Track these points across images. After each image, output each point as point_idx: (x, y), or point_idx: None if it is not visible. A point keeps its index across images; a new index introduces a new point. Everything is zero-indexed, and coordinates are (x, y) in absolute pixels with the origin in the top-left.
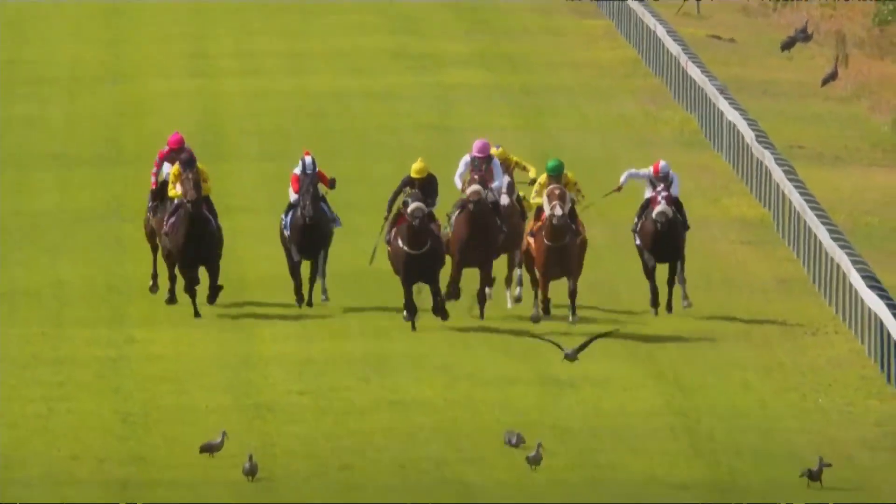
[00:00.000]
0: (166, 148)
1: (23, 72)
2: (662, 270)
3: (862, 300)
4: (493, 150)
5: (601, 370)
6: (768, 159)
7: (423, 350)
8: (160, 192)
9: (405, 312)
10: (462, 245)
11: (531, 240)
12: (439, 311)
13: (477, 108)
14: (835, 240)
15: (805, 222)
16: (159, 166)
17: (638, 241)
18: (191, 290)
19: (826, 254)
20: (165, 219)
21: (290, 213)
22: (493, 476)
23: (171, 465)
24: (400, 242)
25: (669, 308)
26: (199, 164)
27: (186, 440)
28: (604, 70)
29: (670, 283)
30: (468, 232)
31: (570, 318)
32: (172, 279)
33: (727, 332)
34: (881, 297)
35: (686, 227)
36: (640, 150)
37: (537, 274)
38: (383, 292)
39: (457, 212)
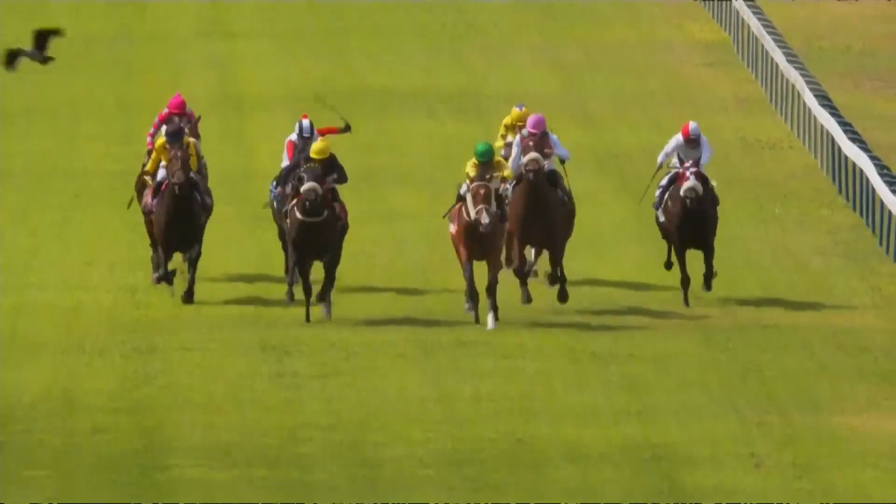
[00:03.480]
0: (166, 110)
1: None
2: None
3: (815, 118)
4: (515, 111)
5: (577, 183)
6: None
7: (411, 162)
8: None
9: (290, 291)
10: (521, 221)
11: (451, 223)
12: (324, 297)
13: None
14: (790, 62)
15: (763, 46)
16: (157, 128)
17: (662, 219)
18: (170, 274)
19: (782, 75)
20: (150, 197)
21: (277, 186)
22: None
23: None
24: (297, 211)
25: (708, 286)
26: (186, 138)
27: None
28: None
29: (707, 276)
30: (525, 205)
31: (490, 319)
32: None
33: None
34: (832, 114)
35: (716, 203)
36: None
37: (460, 257)
38: None
39: (513, 184)
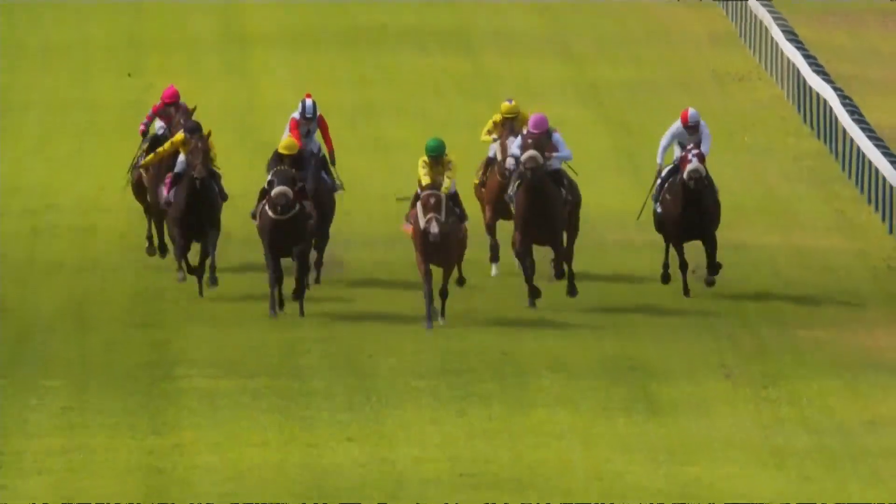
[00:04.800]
0: (160, 102)
1: None
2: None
3: (782, 51)
4: (505, 104)
5: (559, 113)
6: None
7: (405, 97)
8: (152, 147)
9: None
10: (523, 220)
11: (408, 226)
12: (301, 292)
13: None
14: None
15: None
16: (151, 119)
17: (659, 210)
18: (199, 270)
19: (750, 10)
20: (167, 186)
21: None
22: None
23: None
24: (268, 210)
25: (710, 282)
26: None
27: None
28: None
29: (710, 268)
30: (527, 205)
31: (440, 318)
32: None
33: (667, 81)
34: (798, 48)
35: (716, 202)
36: None
37: (417, 260)
38: None
39: (516, 184)
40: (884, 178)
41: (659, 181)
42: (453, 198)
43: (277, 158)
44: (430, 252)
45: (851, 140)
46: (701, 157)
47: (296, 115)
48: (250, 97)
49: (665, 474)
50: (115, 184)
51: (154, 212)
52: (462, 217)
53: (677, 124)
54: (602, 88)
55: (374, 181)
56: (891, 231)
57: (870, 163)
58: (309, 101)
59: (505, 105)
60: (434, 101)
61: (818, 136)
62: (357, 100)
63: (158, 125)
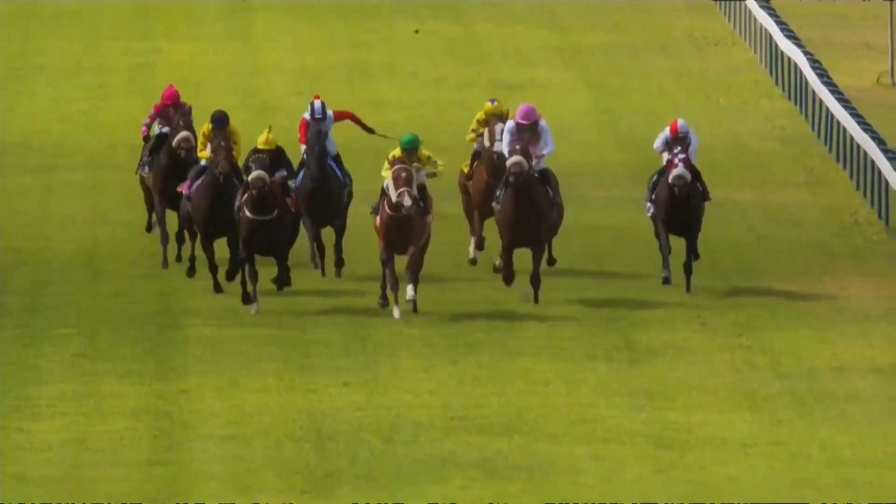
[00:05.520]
0: (160, 101)
1: None
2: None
3: (755, 18)
4: (488, 105)
5: (544, 75)
6: None
7: (398, 60)
8: (156, 146)
9: (246, 286)
10: (509, 224)
11: (377, 217)
12: (281, 281)
13: None
14: None
15: None
16: (152, 119)
17: (652, 211)
18: (212, 267)
19: None
20: (191, 180)
21: (300, 171)
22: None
23: None
24: (246, 210)
25: (688, 289)
26: (230, 126)
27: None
28: None
29: (687, 266)
30: (514, 209)
31: (409, 292)
32: (192, 245)
33: (645, 44)
34: (770, 14)
35: (706, 198)
36: None
37: (380, 248)
38: None
39: (502, 190)
40: (851, 138)
41: (650, 184)
42: (420, 190)
43: (255, 153)
44: (397, 237)
45: (821, 101)
46: (687, 163)
47: (306, 115)
48: (252, 60)
49: (644, 418)
50: (123, 142)
51: (158, 211)
52: (425, 211)
53: (666, 133)
54: (584, 52)
55: (370, 138)
56: (857, 187)
57: (838, 123)
58: (318, 103)
59: (487, 105)
60: (426, 63)
61: (789, 98)
62: (353, 62)
63: (157, 127)
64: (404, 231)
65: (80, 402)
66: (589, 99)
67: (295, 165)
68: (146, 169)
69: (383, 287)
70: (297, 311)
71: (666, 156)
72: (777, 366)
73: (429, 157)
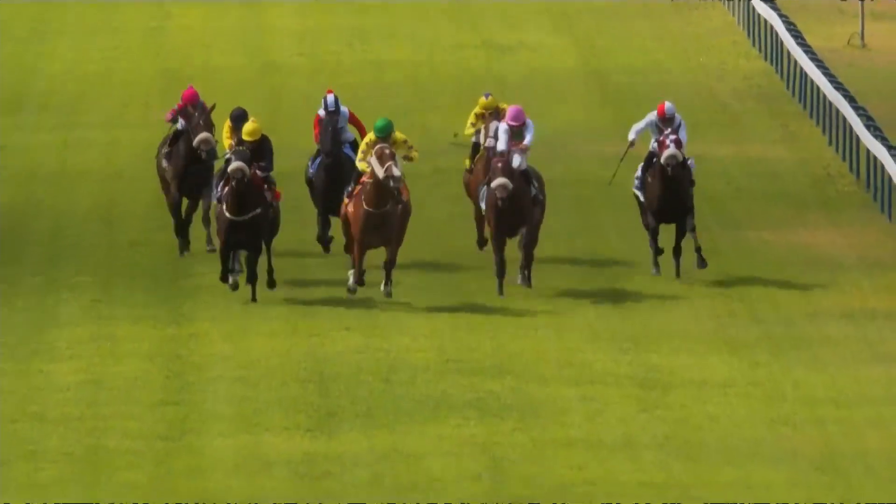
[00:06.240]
0: (181, 102)
1: None
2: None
3: None
4: (483, 99)
5: (534, 38)
6: None
7: (396, 23)
8: (174, 140)
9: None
10: (497, 221)
11: (349, 203)
12: (269, 273)
13: None
14: None
15: None
16: (171, 120)
17: (642, 198)
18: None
19: None
20: (216, 184)
21: (316, 160)
22: (447, 123)
23: None
24: (224, 208)
25: (678, 274)
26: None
27: (211, 97)
28: None
29: (676, 251)
30: (500, 207)
31: (384, 287)
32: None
33: (629, 9)
34: None
35: (692, 183)
36: None
37: (354, 241)
38: None
39: (485, 188)
40: (823, 95)
41: (640, 171)
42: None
43: (239, 144)
44: (372, 232)
45: (795, 61)
46: (678, 143)
47: (320, 111)
48: (259, 22)
49: (629, 361)
50: (137, 101)
51: (174, 200)
52: (398, 201)
53: (653, 115)
54: (573, 16)
55: (369, 98)
56: (830, 142)
57: (811, 81)
58: (330, 97)
59: (482, 100)
60: (422, 25)
61: (765, 58)
62: (354, 25)
63: (180, 123)
64: (381, 228)
65: (96, 345)
66: (577, 59)
67: (307, 160)
68: (164, 161)
69: (360, 273)
70: (301, 261)
71: (655, 139)
72: (754, 312)
73: (405, 141)
